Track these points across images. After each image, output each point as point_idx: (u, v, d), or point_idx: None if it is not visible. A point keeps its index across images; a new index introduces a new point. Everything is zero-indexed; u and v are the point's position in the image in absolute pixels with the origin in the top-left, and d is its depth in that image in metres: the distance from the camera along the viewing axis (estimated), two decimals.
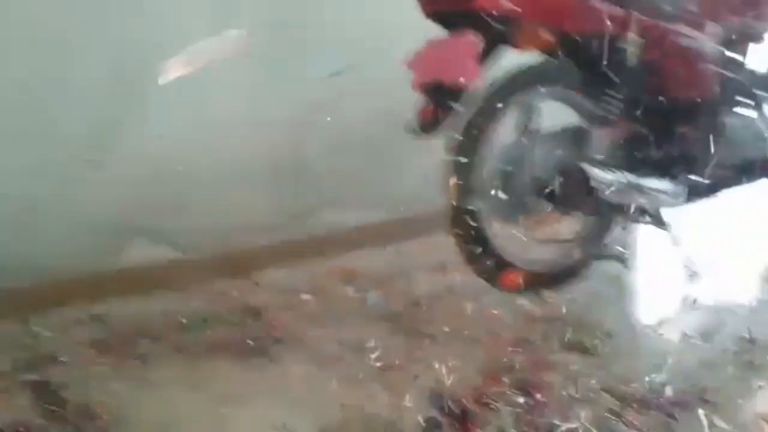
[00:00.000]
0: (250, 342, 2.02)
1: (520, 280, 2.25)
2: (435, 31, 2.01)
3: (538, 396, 1.70)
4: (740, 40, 2.58)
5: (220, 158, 2.40)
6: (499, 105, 2.14)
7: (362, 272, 2.50)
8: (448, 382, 1.75)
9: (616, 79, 2.21)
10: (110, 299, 2.22)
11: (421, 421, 1.64)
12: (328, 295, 2.36)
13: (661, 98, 2.29)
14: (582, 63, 2.17)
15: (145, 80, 2.25)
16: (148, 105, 2.28)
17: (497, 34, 2.01)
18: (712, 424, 1.64)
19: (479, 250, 2.17)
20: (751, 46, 2.63)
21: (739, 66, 2.60)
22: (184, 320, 2.14)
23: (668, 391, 1.75)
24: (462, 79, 1.97)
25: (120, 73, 2.24)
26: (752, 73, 2.66)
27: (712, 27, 2.45)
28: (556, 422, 1.62)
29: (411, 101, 1.97)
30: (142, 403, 1.72)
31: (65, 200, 2.20)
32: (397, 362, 1.91)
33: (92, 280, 2.24)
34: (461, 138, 2.11)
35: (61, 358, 1.92)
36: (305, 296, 2.33)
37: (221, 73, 2.06)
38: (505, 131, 2.20)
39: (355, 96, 2.51)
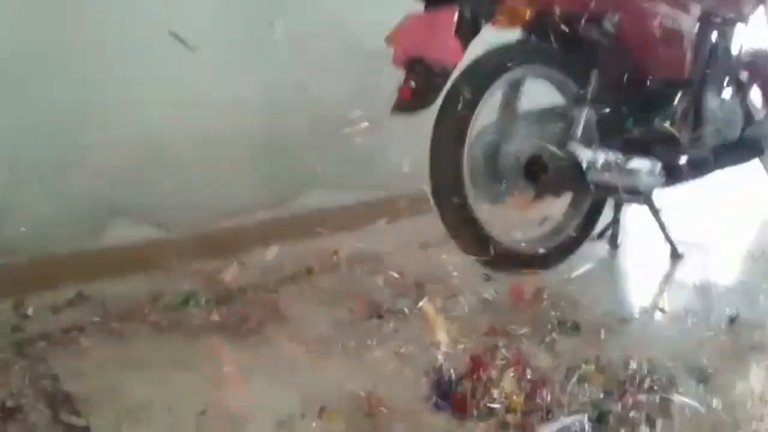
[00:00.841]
0: (240, 322, 2.01)
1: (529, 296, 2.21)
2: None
3: (533, 377, 1.69)
4: (726, 22, 2.59)
5: (205, 139, 2.40)
6: (483, 84, 2.11)
7: (351, 252, 2.49)
8: (443, 359, 1.74)
9: (597, 58, 2.21)
10: (96, 279, 2.21)
11: (418, 397, 1.63)
12: (316, 275, 2.36)
13: (643, 78, 2.30)
14: (562, 41, 2.17)
15: (125, 62, 2.24)
16: (129, 87, 2.27)
17: (478, 11, 2.01)
18: (707, 403, 1.63)
19: (468, 231, 2.16)
20: (738, 28, 2.65)
21: (724, 48, 2.61)
22: (171, 300, 2.13)
23: (661, 371, 1.74)
24: (443, 57, 1.97)
25: (101, 55, 2.23)
26: (737, 54, 2.67)
27: (695, 8, 2.46)
28: (552, 403, 1.60)
29: (394, 79, 1.97)
30: (131, 383, 1.70)
31: (48, 181, 2.20)
32: (391, 341, 1.90)
33: (77, 260, 2.23)
34: (444, 116, 2.09)
35: (46, 339, 1.91)
36: (293, 276, 2.33)
37: (203, 53, 2.06)
38: (490, 111, 2.19)
39: (339, 75, 2.52)
